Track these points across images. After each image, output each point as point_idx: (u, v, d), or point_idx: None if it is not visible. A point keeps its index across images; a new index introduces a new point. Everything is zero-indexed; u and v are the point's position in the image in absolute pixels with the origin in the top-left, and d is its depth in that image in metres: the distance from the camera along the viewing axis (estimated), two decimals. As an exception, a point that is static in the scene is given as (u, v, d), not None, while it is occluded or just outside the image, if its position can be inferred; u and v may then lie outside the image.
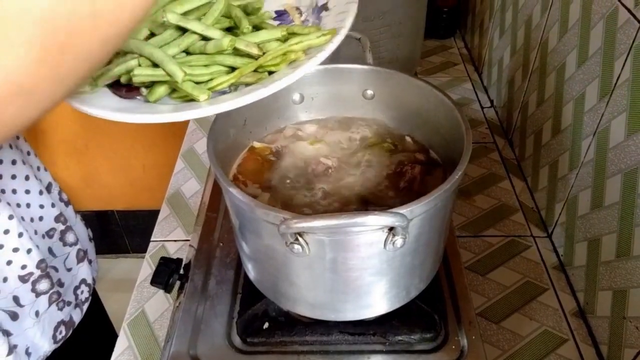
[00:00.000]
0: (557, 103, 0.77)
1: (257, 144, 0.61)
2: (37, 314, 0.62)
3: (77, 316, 0.71)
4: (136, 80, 0.45)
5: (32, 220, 0.64)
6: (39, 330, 0.63)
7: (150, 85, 0.47)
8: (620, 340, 0.61)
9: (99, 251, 0.82)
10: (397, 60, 0.82)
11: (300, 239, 0.43)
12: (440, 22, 1.25)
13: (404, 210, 0.41)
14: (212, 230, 0.70)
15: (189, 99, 0.46)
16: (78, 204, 1.94)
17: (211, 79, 0.46)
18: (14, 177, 0.62)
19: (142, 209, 1.92)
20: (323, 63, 0.60)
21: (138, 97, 0.47)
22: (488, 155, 0.94)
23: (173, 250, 0.82)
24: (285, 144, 0.62)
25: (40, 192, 0.65)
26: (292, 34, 0.49)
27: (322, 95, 0.63)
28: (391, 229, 0.43)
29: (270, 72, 0.48)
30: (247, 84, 0.46)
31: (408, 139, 0.62)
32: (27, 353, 0.62)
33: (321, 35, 0.48)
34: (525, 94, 0.89)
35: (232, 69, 0.47)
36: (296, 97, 0.63)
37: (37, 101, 0.30)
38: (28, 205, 0.64)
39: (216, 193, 0.75)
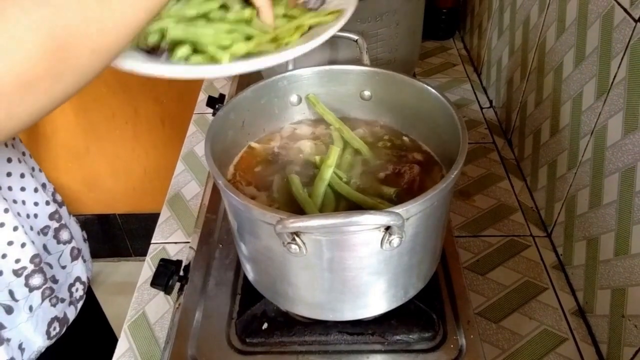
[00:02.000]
0: (555, 103, 0.77)
1: (255, 145, 0.62)
2: (30, 308, 0.63)
3: (71, 314, 0.71)
4: (170, 35, 0.48)
5: (27, 216, 0.65)
6: (32, 325, 0.63)
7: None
8: (620, 339, 0.61)
9: (101, 255, 0.82)
10: (395, 62, 0.82)
11: (297, 239, 0.43)
12: (439, 24, 1.26)
13: (399, 209, 0.41)
14: (212, 232, 0.70)
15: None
16: (80, 208, 1.96)
17: (231, 46, 0.49)
18: (9, 174, 0.63)
19: (143, 212, 1.93)
20: (321, 65, 0.61)
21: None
22: (487, 156, 0.94)
23: (173, 252, 0.82)
24: (283, 144, 0.62)
25: (36, 190, 0.66)
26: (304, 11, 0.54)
27: (319, 97, 0.63)
28: (387, 228, 0.43)
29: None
30: (262, 54, 0.50)
31: (406, 138, 0.62)
32: (21, 348, 0.63)
33: (330, 13, 0.53)
34: (523, 94, 0.90)
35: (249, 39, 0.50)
36: (294, 98, 0.63)
37: (39, 96, 0.36)
38: (23, 202, 0.64)
39: (216, 195, 0.76)
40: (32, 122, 0.37)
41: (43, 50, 0.34)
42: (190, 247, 0.70)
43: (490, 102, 1.07)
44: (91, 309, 0.82)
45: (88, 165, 1.81)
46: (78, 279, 0.74)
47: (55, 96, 0.37)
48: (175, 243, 0.83)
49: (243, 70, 0.48)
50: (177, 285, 0.65)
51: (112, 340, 0.81)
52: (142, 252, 2.05)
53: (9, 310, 0.61)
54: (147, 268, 0.79)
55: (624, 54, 0.58)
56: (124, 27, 0.39)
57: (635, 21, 0.56)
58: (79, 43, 0.36)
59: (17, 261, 0.61)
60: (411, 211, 0.43)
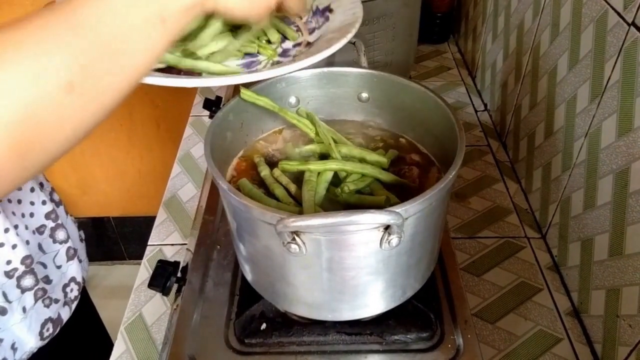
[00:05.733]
0: (549, 106, 0.78)
1: (253, 146, 0.62)
2: (24, 309, 0.63)
3: (65, 314, 0.71)
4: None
5: (22, 215, 0.65)
6: (26, 326, 0.63)
7: None
8: (614, 339, 0.61)
9: (95, 258, 0.82)
10: (391, 64, 0.83)
11: (297, 238, 0.44)
12: (434, 27, 1.27)
13: (399, 208, 0.42)
14: (210, 233, 0.70)
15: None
16: (74, 211, 1.94)
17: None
18: None
19: (138, 215, 1.92)
20: (318, 66, 0.61)
21: None
22: (482, 158, 0.95)
23: (170, 254, 0.82)
24: (281, 146, 0.62)
25: (32, 190, 0.66)
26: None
27: (317, 99, 0.64)
28: (387, 227, 0.43)
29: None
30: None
31: (403, 140, 0.62)
32: (13, 348, 0.63)
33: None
34: (518, 97, 0.91)
35: None
36: (292, 100, 0.63)
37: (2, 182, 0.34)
38: (19, 202, 0.64)
39: (214, 196, 0.76)
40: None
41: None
42: (187, 248, 0.70)
43: (485, 105, 1.08)
44: (85, 310, 0.82)
45: (82, 168, 1.80)
46: (73, 279, 0.73)
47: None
48: (172, 245, 0.83)
49: (243, 80, 0.53)
50: (175, 286, 0.65)
51: (106, 343, 0.81)
52: (136, 255, 2.04)
53: (2, 311, 0.61)
54: (143, 270, 0.79)
55: (617, 57, 0.59)
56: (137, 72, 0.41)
57: (629, 25, 0.57)
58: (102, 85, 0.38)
59: (9, 262, 0.61)
60: (410, 211, 0.43)
